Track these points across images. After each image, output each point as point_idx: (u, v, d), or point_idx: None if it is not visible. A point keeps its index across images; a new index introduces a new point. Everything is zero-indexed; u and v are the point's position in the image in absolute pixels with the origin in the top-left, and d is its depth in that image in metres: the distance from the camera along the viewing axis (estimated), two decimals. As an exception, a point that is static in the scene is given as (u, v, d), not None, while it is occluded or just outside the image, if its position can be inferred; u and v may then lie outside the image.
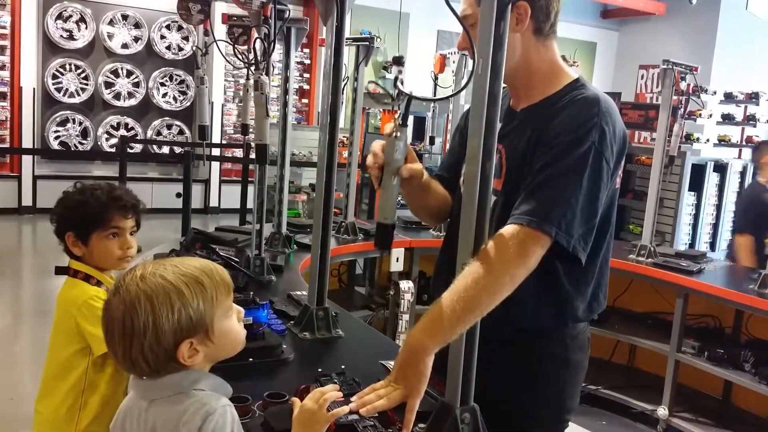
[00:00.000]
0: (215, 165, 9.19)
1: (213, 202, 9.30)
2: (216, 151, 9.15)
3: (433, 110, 4.70)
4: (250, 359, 1.74)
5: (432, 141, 5.35)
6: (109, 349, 1.15)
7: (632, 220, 6.77)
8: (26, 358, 4.27)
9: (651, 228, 3.91)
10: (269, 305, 1.98)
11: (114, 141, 8.66)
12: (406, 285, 3.69)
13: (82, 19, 8.48)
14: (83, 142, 8.69)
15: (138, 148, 8.96)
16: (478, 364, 1.42)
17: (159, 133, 9.08)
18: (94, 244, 1.77)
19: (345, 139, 4.12)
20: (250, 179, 5.84)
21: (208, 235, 2.65)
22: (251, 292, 1.85)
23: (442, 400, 1.39)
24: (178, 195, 6.60)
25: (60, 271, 1.79)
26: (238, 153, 8.76)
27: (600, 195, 1.47)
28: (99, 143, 8.75)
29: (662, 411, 3.72)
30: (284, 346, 1.85)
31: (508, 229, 1.41)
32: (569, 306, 1.62)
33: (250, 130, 2.56)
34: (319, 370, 1.51)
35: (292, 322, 2.06)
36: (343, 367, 1.55)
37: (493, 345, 1.55)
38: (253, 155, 2.53)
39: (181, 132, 9.19)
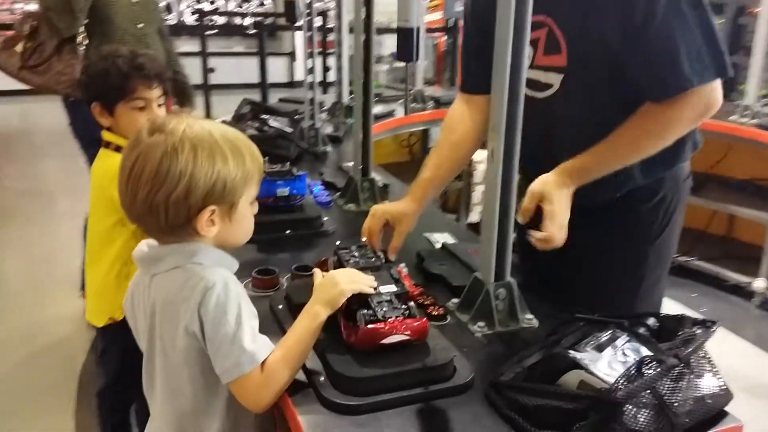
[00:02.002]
0: (299, 36, 9.02)
1: (299, 76, 9.22)
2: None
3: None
4: (288, 231, 1.69)
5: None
6: (125, 187, 1.03)
7: (744, 81, 6.10)
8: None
9: (756, 85, 3.50)
10: (309, 176, 1.89)
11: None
12: (479, 155, 3.51)
13: None
14: (166, 18, 8.69)
15: (222, 21, 8.89)
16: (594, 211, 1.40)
17: (241, 6, 8.95)
18: (119, 115, 1.69)
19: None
20: (330, 50, 5.66)
21: (261, 106, 2.57)
22: (287, 163, 1.76)
23: (475, 276, 1.29)
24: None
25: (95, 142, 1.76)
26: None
27: (710, 13, 1.32)
28: (182, 18, 8.73)
29: (759, 283, 3.47)
30: (325, 218, 1.78)
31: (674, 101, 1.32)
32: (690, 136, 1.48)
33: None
34: (338, 243, 1.42)
35: (338, 194, 1.98)
36: (364, 239, 1.46)
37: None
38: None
39: (261, 3, 9.00)
